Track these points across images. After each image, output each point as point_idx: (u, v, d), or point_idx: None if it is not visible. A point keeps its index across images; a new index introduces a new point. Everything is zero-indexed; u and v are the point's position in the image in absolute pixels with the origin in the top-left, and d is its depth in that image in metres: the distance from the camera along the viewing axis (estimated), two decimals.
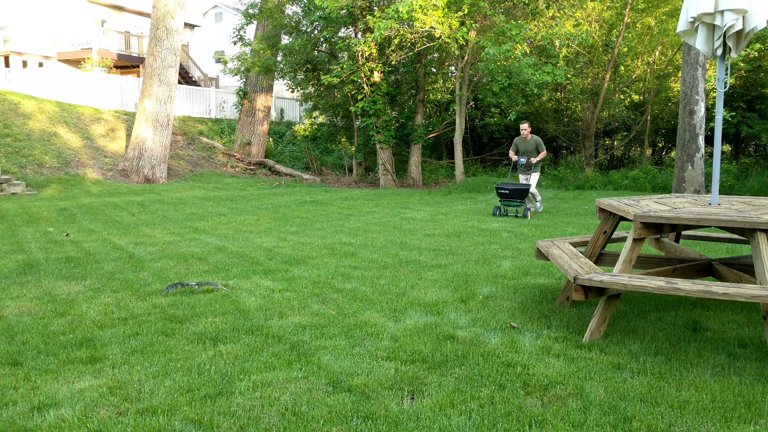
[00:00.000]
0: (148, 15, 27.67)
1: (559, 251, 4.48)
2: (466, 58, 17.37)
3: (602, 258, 4.87)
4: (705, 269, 4.60)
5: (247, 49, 20.39)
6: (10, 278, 5.72)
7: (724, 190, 14.29)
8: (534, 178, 11.11)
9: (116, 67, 26.71)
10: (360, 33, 18.41)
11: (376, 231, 8.88)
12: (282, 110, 28.23)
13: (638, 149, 22.84)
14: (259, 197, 14.48)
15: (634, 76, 20.53)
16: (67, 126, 18.45)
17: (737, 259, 4.71)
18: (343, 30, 19.83)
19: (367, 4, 17.72)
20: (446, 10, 15.00)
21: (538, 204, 11.42)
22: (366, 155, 21.71)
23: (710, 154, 13.81)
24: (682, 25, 4.53)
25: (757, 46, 14.67)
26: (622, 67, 20.67)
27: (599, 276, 3.66)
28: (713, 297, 3.26)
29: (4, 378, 3.25)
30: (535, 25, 17.95)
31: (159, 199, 13.68)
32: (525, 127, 11.02)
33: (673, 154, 21.62)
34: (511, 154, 11.18)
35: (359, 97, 18.22)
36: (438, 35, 15.30)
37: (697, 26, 4.42)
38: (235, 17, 32.61)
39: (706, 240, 5.41)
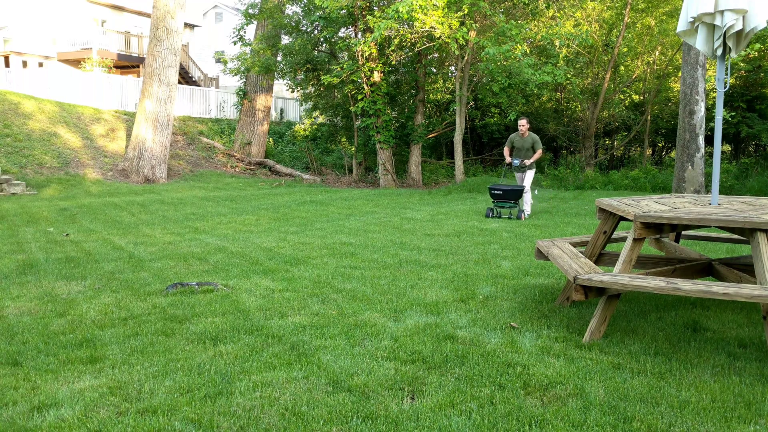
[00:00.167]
0: (148, 15, 27.68)
1: (559, 251, 4.48)
2: (466, 58, 17.37)
3: (602, 258, 4.87)
4: (705, 269, 4.60)
5: (247, 49, 20.39)
6: (10, 278, 5.72)
7: (724, 190, 14.28)
8: (529, 176, 10.63)
9: (116, 67, 26.71)
10: (360, 33, 18.41)
11: (376, 231, 8.88)
12: (282, 110, 28.23)
13: (638, 149, 22.84)
14: (259, 197, 14.48)
15: (634, 76, 20.53)
16: (67, 126, 18.45)
17: (737, 259, 4.71)
18: (343, 30, 19.83)
19: (367, 4, 17.72)
20: (446, 10, 15.00)
21: (527, 207, 10.69)
22: (366, 155, 21.71)
23: (710, 154, 13.81)
24: (682, 25, 4.53)
25: (757, 46, 14.67)
26: (622, 67, 20.67)
27: (599, 276, 3.66)
28: (713, 297, 3.26)
29: (4, 378, 3.25)
30: (535, 25, 17.95)
31: (159, 199, 13.68)
32: (523, 124, 10.56)
33: (673, 154, 21.62)
34: (506, 151, 10.70)
35: (359, 97, 18.22)
36: (438, 35, 15.30)
37: (697, 26, 4.42)
38: (235, 17, 32.61)
39: (706, 240, 5.41)
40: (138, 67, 27.33)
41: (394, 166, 19.28)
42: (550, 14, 17.68)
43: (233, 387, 3.10)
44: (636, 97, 21.79)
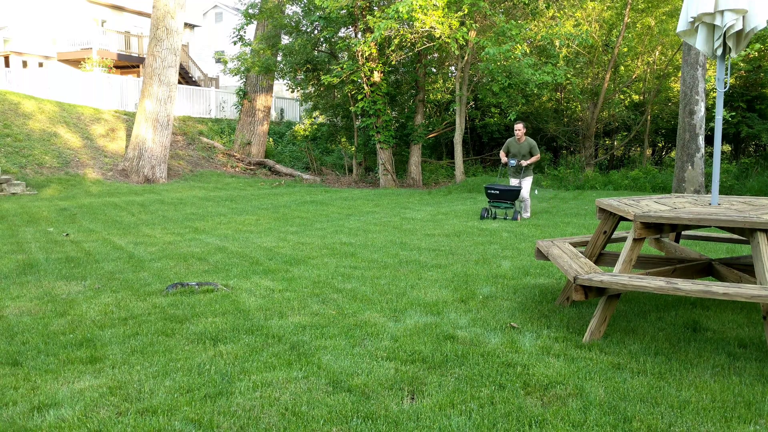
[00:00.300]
0: (148, 15, 27.68)
1: (559, 251, 4.48)
2: (466, 58, 17.37)
3: (602, 258, 4.87)
4: (705, 269, 4.60)
5: (247, 49, 20.39)
6: (10, 278, 5.72)
7: (724, 190, 14.28)
8: (526, 184, 10.37)
9: (116, 67, 26.71)
10: (360, 33, 18.41)
11: (376, 231, 8.88)
12: (282, 110, 28.23)
13: (638, 149, 22.84)
14: (259, 197, 14.48)
15: (634, 76, 20.53)
16: (67, 126, 18.45)
17: (737, 259, 4.71)
18: (343, 30, 19.83)
19: (367, 4, 17.72)
20: (446, 10, 15.00)
21: (526, 211, 10.56)
22: (366, 155, 21.71)
23: (710, 154, 13.81)
24: (682, 25, 4.53)
25: (757, 46, 14.67)
26: (622, 67, 20.67)
27: (599, 276, 3.66)
28: (713, 297, 3.26)
29: (4, 378, 3.25)
30: (535, 25, 17.95)
31: (159, 199, 13.68)
32: (519, 128, 10.26)
33: (673, 154, 21.62)
34: (502, 155, 10.42)
35: (359, 97, 18.22)
36: (438, 35, 15.30)
37: (697, 26, 4.42)
38: (235, 17, 32.61)
39: (706, 240, 5.41)
40: (138, 67, 27.33)
41: (394, 166, 19.29)
42: (550, 14, 17.68)
43: (233, 387, 3.10)
44: (636, 97, 21.79)
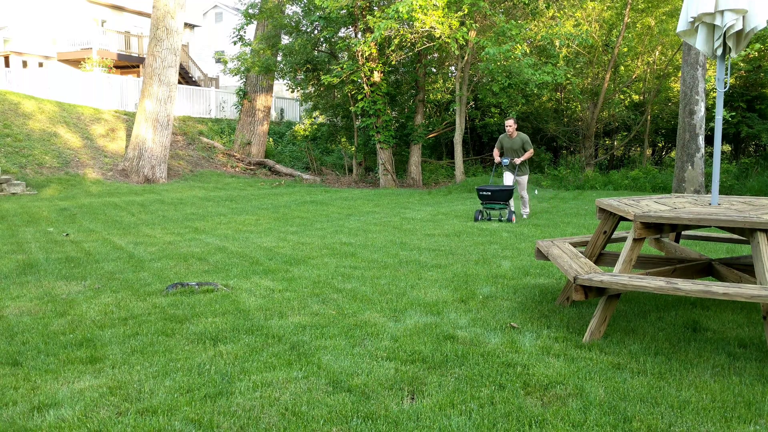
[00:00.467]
0: (148, 15, 27.68)
1: (559, 251, 4.48)
2: (466, 58, 17.37)
3: (602, 258, 4.87)
4: (705, 269, 4.60)
5: (247, 49, 20.40)
6: (10, 278, 5.72)
7: (724, 190, 14.29)
8: (522, 182, 10.25)
9: (116, 67, 26.71)
10: (360, 33, 18.41)
11: (376, 231, 8.88)
12: (282, 110, 28.24)
13: (638, 149, 22.84)
14: (259, 197, 14.48)
15: (634, 76, 20.53)
16: (67, 126, 18.45)
17: (737, 259, 4.71)
18: (343, 30, 19.84)
19: (367, 4, 17.72)
20: (446, 10, 15.01)
21: (526, 209, 10.49)
22: (366, 155, 21.71)
23: (710, 154, 13.81)
24: (682, 25, 4.53)
25: (757, 46, 14.68)
26: (622, 67, 20.67)
27: (599, 276, 3.66)
28: (713, 297, 3.26)
29: (4, 378, 3.25)
30: (535, 25, 17.96)
31: (159, 199, 13.68)
32: (510, 124, 10.12)
33: (673, 154, 21.62)
34: (495, 153, 10.32)
35: (359, 97, 18.22)
36: (438, 35, 15.30)
37: (697, 26, 4.42)
38: (235, 17, 32.61)
39: (706, 240, 5.41)
40: (138, 67, 27.33)
41: (394, 166, 19.29)
42: (550, 14, 17.68)
43: (233, 387, 3.10)
44: (636, 97, 21.80)
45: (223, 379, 3.20)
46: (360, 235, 8.49)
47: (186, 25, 30.40)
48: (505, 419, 2.74)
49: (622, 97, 21.22)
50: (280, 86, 27.13)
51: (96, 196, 14.16)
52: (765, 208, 3.95)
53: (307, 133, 25.36)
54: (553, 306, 4.65)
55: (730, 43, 4.33)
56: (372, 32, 16.41)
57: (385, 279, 5.60)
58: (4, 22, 26.20)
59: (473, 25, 16.09)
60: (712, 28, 4.35)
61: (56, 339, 3.89)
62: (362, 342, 3.80)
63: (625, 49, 19.47)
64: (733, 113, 16.63)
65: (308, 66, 19.68)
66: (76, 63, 25.85)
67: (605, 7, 19.36)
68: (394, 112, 20.75)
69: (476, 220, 9.93)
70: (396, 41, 16.19)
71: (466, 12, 15.48)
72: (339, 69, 17.39)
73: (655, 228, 3.87)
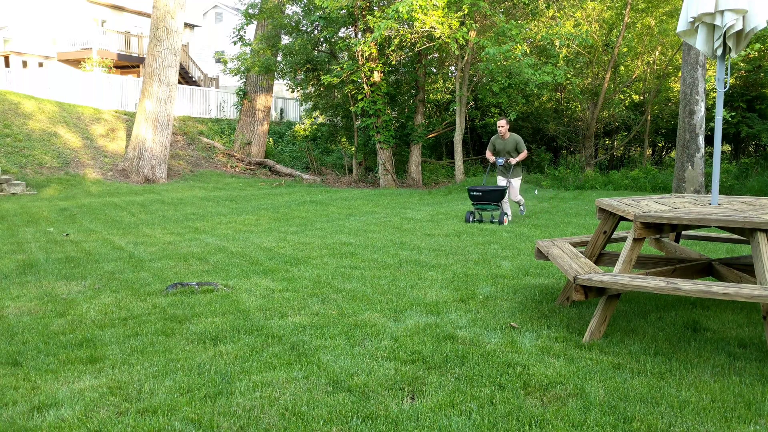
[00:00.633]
0: (148, 15, 27.68)
1: (559, 251, 4.48)
2: (466, 58, 17.37)
3: (602, 258, 4.87)
4: (705, 269, 4.60)
5: (247, 49, 20.40)
6: (10, 278, 5.72)
7: (724, 190, 14.29)
8: (516, 185, 9.98)
9: (116, 67, 26.72)
10: (360, 33, 18.41)
11: (376, 231, 8.88)
12: (282, 110, 28.24)
13: (638, 149, 22.84)
14: (259, 197, 14.48)
15: (634, 76, 20.53)
16: (67, 126, 18.45)
17: (737, 259, 4.71)
18: (343, 30, 19.83)
19: (367, 4, 17.72)
20: (446, 10, 15.01)
21: (522, 208, 10.35)
22: (366, 155, 21.71)
23: (710, 154, 13.81)
24: (682, 25, 4.53)
25: (757, 46, 14.68)
26: (622, 67, 20.67)
27: (599, 276, 3.66)
28: (713, 297, 3.26)
29: (4, 378, 3.25)
30: (535, 25, 17.96)
31: (159, 199, 13.68)
32: (502, 125, 9.81)
33: (673, 154, 21.62)
34: (488, 154, 9.99)
35: (359, 97, 18.22)
36: (438, 35, 15.30)
37: (697, 26, 4.42)
38: (235, 17, 32.62)
39: (706, 240, 5.41)
40: (138, 67, 27.33)
41: (394, 166, 19.29)
42: (550, 14, 17.69)
43: (233, 387, 3.10)
44: (636, 97, 21.80)
45: (223, 379, 3.20)
46: (360, 235, 8.49)
47: (186, 25, 30.40)
48: (505, 419, 2.74)
49: (622, 97, 21.22)
50: (280, 86, 27.14)
51: (96, 196, 14.16)
52: (765, 208, 3.95)
53: (307, 133, 25.36)
54: (553, 306, 4.65)
55: (730, 43, 4.33)
56: (372, 32, 16.41)
57: (385, 279, 5.60)
58: (4, 22, 26.21)
59: (473, 25, 16.09)
60: (712, 28, 4.35)
61: (56, 339, 3.89)
62: (362, 342, 3.80)
63: (625, 49, 19.47)
64: (733, 113, 16.63)
65: (308, 66, 19.68)
66: (76, 63, 25.85)
67: (605, 7, 19.36)
68: (394, 112, 20.75)
69: (467, 221, 9.71)
70: (396, 41, 16.19)
71: (466, 12, 15.48)
72: (339, 69, 17.39)
73: (655, 228, 3.87)
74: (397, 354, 3.56)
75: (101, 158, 17.70)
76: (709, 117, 15.07)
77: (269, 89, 21.79)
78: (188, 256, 6.81)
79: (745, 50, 14.79)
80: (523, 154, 9.80)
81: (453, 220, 10.05)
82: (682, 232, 5.35)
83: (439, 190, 17.02)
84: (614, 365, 3.40)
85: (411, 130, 19.38)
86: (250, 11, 19.41)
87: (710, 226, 3.71)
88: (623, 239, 5.17)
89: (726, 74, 4.51)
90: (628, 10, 18.08)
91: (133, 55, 27.84)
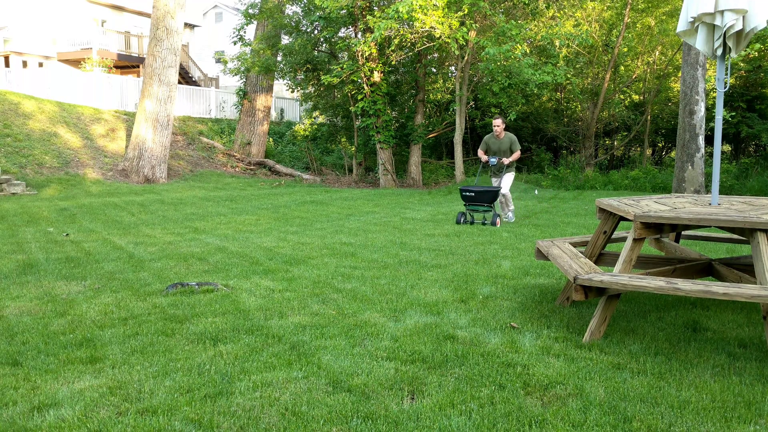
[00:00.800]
0: (148, 15, 27.68)
1: (559, 251, 4.48)
2: (466, 58, 17.37)
3: (602, 258, 4.87)
4: (705, 269, 4.60)
5: (247, 49, 20.40)
6: (10, 278, 5.72)
7: (724, 190, 14.29)
8: (507, 179, 9.68)
9: (116, 67, 26.72)
10: (360, 33, 18.41)
11: (376, 231, 8.88)
12: (282, 110, 28.24)
13: (638, 149, 22.85)
14: (259, 197, 14.48)
15: (634, 76, 20.53)
16: (67, 126, 18.45)
17: (737, 259, 4.71)
18: (343, 30, 19.84)
19: (367, 4, 17.72)
20: (446, 10, 15.01)
21: (510, 214, 9.90)
22: (366, 155, 21.71)
23: (710, 154, 13.81)
24: (682, 25, 4.53)
25: (757, 46, 14.68)
26: (622, 67, 20.68)
27: (599, 276, 3.66)
28: (713, 297, 3.26)
29: (4, 378, 3.25)
30: (535, 25, 17.96)
31: (159, 199, 13.68)
32: (498, 124, 9.50)
33: (673, 154, 21.62)
34: (480, 153, 9.71)
35: (359, 97, 18.22)
36: (438, 35, 15.30)
37: (697, 26, 4.42)
38: (235, 17, 32.62)
39: (706, 240, 5.41)
40: (138, 67, 27.34)
41: (394, 166, 19.29)
42: (550, 14, 17.69)
43: (233, 387, 3.10)
44: (636, 97, 21.80)
45: (223, 379, 3.20)
46: (360, 235, 8.49)
47: (186, 25, 30.40)
48: (505, 419, 2.74)
49: (622, 97, 21.22)
50: (280, 86, 27.14)
51: (96, 196, 14.16)
52: (765, 208, 3.95)
53: (307, 133, 25.36)
54: (553, 306, 4.65)
55: (730, 43, 4.33)
56: (372, 32, 16.41)
57: (385, 279, 5.60)
58: (4, 22, 26.21)
59: (473, 25, 16.09)
60: (712, 28, 4.35)
61: (56, 339, 3.89)
62: (362, 342, 3.80)
63: (625, 49, 19.47)
64: (733, 113, 16.64)
65: (308, 66, 19.68)
66: (76, 63, 25.86)
67: (605, 7, 19.36)
68: (394, 112, 20.75)
69: (458, 222, 9.48)
70: (396, 41, 16.19)
71: (466, 12, 15.48)
72: (339, 69, 17.39)
73: (655, 228, 3.87)
74: (397, 354, 3.56)
75: (101, 158, 17.70)
76: (709, 117, 15.07)
77: (269, 89, 21.79)
78: (188, 256, 6.81)
79: (745, 50, 14.79)
80: (516, 155, 9.56)
81: (453, 220, 10.05)
82: (682, 232, 5.35)
83: (439, 190, 17.02)
84: (614, 365, 3.40)
85: (411, 130, 19.38)
86: (250, 11, 19.41)
87: (710, 226, 3.71)
88: (623, 239, 5.18)
89: (726, 74, 4.51)
90: (628, 10, 18.09)
91: (133, 55, 27.84)
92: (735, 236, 5.09)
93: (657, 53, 20.18)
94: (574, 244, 4.97)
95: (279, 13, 19.42)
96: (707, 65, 14.27)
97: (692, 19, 4.38)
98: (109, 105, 21.50)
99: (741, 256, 4.85)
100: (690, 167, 12.36)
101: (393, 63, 18.49)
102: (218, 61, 32.58)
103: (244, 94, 21.69)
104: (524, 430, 2.66)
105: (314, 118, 25.97)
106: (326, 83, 17.68)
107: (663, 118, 20.83)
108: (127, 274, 5.88)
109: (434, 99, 22.26)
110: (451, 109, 20.90)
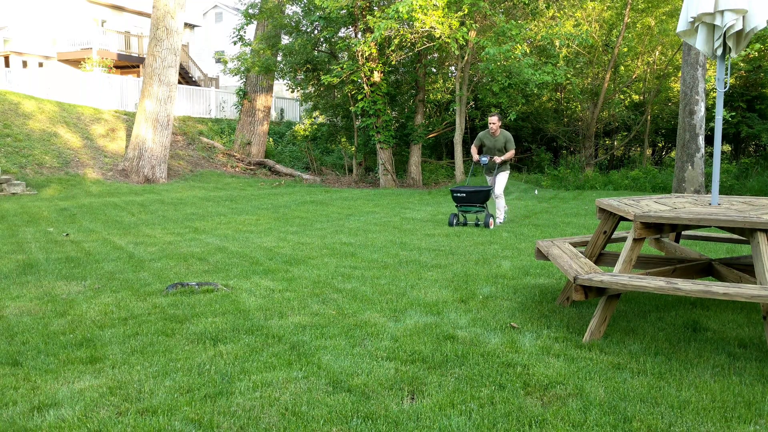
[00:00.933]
0: (148, 15, 27.68)
1: (559, 251, 4.48)
2: (466, 58, 17.37)
3: (602, 258, 4.87)
4: (705, 269, 4.60)
5: (247, 49, 20.40)
6: (10, 278, 5.72)
7: (724, 190, 14.29)
8: (501, 180, 9.38)
9: (116, 67, 26.72)
10: (360, 33, 18.41)
11: (376, 231, 8.88)
12: (282, 110, 28.24)
13: (638, 149, 22.85)
14: (259, 197, 14.48)
15: (634, 76, 20.53)
16: (67, 126, 18.45)
17: (737, 259, 4.71)
18: (343, 30, 19.84)
19: (367, 4, 17.72)
20: (446, 10, 15.01)
21: (500, 214, 9.56)
22: (366, 155, 21.71)
23: (710, 154, 13.81)
24: (682, 25, 4.53)
25: (757, 46, 14.68)
26: (622, 67, 20.68)
27: (599, 276, 3.66)
28: (713, 297, 3.26)
29: (4, 378, 3.25)
30: (535, 25, 17.96)
31: (159, 199, 13.68)
32: (494, 121, 9.17)
33: (673, 154, 21.62)
34: (473, 150, 9.38)
35: (359, 97, 18.22)
36: (438, 35, 15.30)
37: (697, 26, 4.42)
38: (235, 17, 32.61)
39: (706, 240, 5.41)
40: (138, 67, 27.34)
41: (394, 166, 19.29)
42: (550, 14, 17.69)
43: (233, 387, 3.10)
44: (636, 97, 21.81)
45: (223, 379, 3.20)
46: (360, 235, 8.49)
47: (186, 25, 30.40)
48: (505, 419, 2.74)
49: (622, 97, 21.23)
50: (280, 86, 27.14)
51: (96, 196, 14.16)
52: (765, 208, 3.95)
53: (307, 133, 25.36)
54: (553, 306, 4.65)
55: (730, 43, 4.33)
56: (372, 32, 16.41)
57: (385, 279, 5.60)
58: (4, 22, 26.21)
59: (473, 25, 16.09)
60: (712, 28, 4.35)
61: (56, 339, 3.89)
62: (362, 342, 3.80)
63: (625, 49, 19.48)
64: (733, 113, 16.64)
65: (308, 66, 19.68)
66: (76, 63, 25.86)
67: (605, 7, 19.37)
68: (394, 112, 20.75)
69: (450, 224, 9.19)
70: (396, 41, 16.19)
71: (466, 12, 15.49)
72: (339, 69, 17.39)
73: (655, 228, 3.87)
74: (397, 354, 3.56)
75: (101, 158, 17.70)
76: (709, 117, 15.07)
77: (269, 89, 21.79)
78: (188, 256, 6.81)
79: (745, 50, 14.79)
80: (510, 153, 9.25)
81: None
82: (682, 232, 5.35)
83: (439, 190, 17.02)
84: (614, 365, 3.40)
85: (411, 130, 19.38)
86: (250, 11, 19.41)
87: (710, 226, 3.71)
88: (623, 239, 5.17)
89: (726, 74, 4.51)
90: (628, 10, 18.09)
91: (133, 55, 27.84)
92: (735, 236, 5.09)
93: (657, 53, 20.19)
94: (574, 244, 4.97)
95: (279, 13, 19.42)
96: (707, 65, 14.27)
97: (692, 19, 4.38)
98: (109, 105, 21.50)
99: (741, 256, 4.85)
100: (690, 167, 12.36)
101: (393, 63, 18.49)
102: (218, 61, 32.59)
103: (244, 94, 21.69)
104: (524, 430, 2.66)
105: (314, 118, 25.97)
106: (326, 83, 17.68)
107: (663, 118, 20.84)
108: (127, 274, 5.88)
109: (434, 99, 22.26)
110: (451, 109, 20.90)
